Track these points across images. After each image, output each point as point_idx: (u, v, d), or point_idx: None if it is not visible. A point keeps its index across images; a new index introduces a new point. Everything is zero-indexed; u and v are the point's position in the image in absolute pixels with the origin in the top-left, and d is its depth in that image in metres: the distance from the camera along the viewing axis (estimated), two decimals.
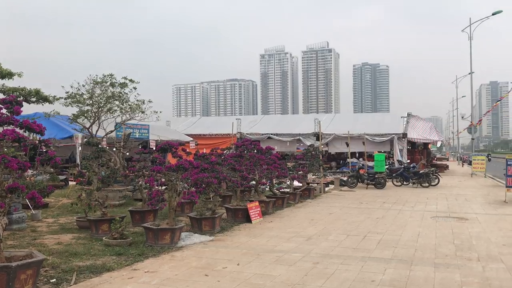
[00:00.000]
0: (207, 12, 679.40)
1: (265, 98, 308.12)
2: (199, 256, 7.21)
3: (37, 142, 6.22)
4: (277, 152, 19.73)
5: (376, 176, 20.51)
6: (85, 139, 14.52)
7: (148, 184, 9.37)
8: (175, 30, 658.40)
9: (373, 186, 20.42)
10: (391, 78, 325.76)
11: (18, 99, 6.11)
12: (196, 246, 8.00)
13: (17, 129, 5.72)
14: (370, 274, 6.24)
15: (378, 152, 25.96)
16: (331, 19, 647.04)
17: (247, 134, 28.52)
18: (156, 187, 9.14)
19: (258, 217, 10.93)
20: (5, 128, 5.61)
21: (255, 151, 13.32)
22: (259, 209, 11.15)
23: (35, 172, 6.30)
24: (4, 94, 9.69)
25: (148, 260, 6.93)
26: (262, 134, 29.08)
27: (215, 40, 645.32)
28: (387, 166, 23.08)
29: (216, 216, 9.47)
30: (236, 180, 11.37)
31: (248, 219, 10.64)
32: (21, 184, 5.48)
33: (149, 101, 16.40)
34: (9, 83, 9.87)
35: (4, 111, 5.69)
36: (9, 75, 9.49)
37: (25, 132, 5.90)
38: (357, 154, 29.79)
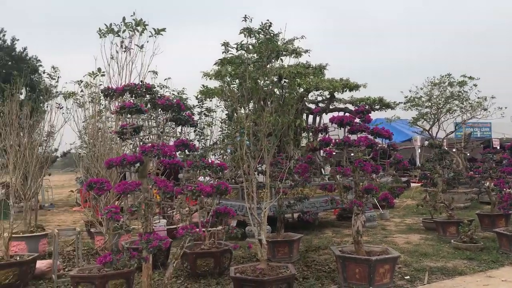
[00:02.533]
0: None
1: None
2: None
3: (385, 146, 6.73)
4: None
5: None
6: (426, 141, 14.68)
7: (497, 187, 8.71)
8: None
9: None
10: None
11: (366, 108, 6.77)
12: None
13: (369, 136, 6.34)
14: None
15: None
16: None
17: None
18: (508, 190, 8.39)
19: None
20: (358, 135, 6.32)
21: None
22: None
23: (381, 173, 6.83)
24: (352, 105, 10.85)
25: (504, 268, 6.43)
26: None
27: None
28: None
29: None
30: None
31: None
32: (374, 185, 6.06)
33: (492, 97, 15.21)
34: (356, 94, 11.03)
35: (357, 120, 6.41)
36: (355, 87, 10.58)
37: (375, 137, 6.48)
38: None
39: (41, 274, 6.57)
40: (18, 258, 6.40)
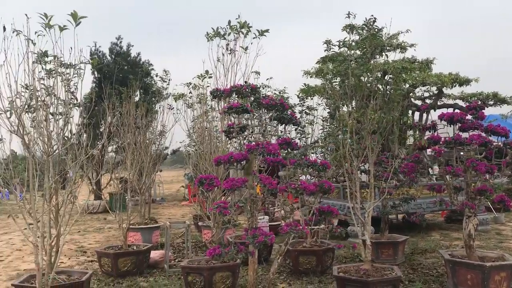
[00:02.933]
0: None
1: None
2: None
3: (501, 145, 6.24)
4: None
5: None
6: None
7: None
8: None
9: None
10: None
11: (478, 103, 6.33)
12: None
13: (482, 133, 5.93)
14: None
15: None
16: None
17: None
18: None
19: None
20: (470, 133, 5.94)
21: None
22: None
23: (496, 174, 6.33)
24: (463, 101, 10.20)
25: None
26: None
27: None
28: None
29: None
30: None
31: None
32: (488, 186, 5.65)
33: None
34: (466, 89, 10.35)
35: (469, 117, 6.02)
36: (466, 82, 9.94)
37: (489, 135, 6.03)
38: None
39: (155, 263, 7.07)
40: (135, 248, 6.96)
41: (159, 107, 10.86)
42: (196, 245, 8.53)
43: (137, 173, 8.36)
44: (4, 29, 4.13)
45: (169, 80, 11.73)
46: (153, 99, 14.96)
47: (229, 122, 5.22)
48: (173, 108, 10.04)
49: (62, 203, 4.77)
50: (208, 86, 8.35)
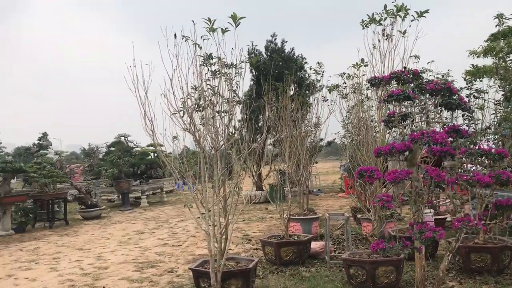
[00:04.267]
0: None
1: None
2: None
3: None
4: None
5: None
6: None
7: None
8: None
9: None
10: None
11: None
12: None
13: None
14: None
15: None
16: None
17: None
18: None
19: None
20: None
21: None
22: None
23: None
24: None
25: None
26: None
27: None
28: None
29: None
30: None
31: None
32: None
33: None
34: None
35: None
36: None
37: None
38: None
39: (315, 254, 7.16)
40: (296, 238, 7.12)
41: (313, 100, 10.92)
42: (356, 237, 8.40)
43: (294, 165, 8.55)
44: (175, 36, 4.54)
45: (323, 72, 11.72)
46: (307, 92, 15.11)
47: (389, 111, 4.99)
48: (327, 99, 10.02)
49: (229, 193, 5.09)
50: (363, 75, 8.14)
